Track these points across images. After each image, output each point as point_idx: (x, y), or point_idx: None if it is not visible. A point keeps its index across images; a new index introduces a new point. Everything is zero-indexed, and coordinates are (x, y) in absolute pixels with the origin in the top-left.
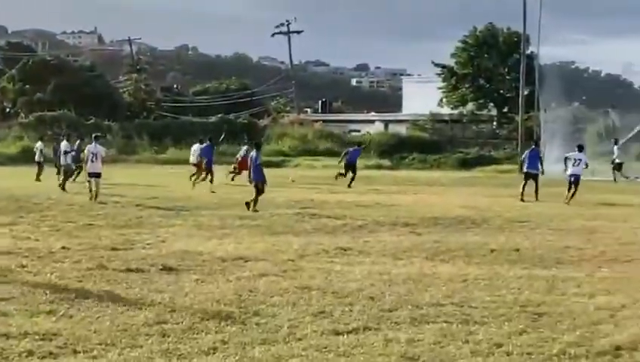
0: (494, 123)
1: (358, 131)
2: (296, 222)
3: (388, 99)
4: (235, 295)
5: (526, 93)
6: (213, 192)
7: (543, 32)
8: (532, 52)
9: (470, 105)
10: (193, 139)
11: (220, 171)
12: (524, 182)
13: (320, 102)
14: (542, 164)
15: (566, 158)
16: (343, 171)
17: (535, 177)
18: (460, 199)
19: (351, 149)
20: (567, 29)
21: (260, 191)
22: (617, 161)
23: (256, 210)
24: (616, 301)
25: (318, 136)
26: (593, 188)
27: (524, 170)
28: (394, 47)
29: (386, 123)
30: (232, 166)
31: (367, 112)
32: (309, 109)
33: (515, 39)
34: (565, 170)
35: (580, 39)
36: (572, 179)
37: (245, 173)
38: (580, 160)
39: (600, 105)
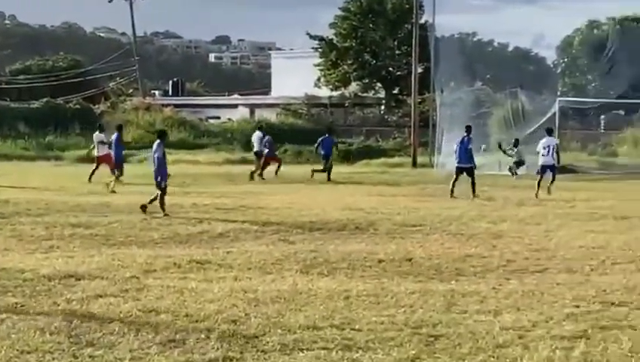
0: (382, 107)
1: (218, 118)
2: (142, 231)
3: (254, 78)
4: (64, 321)
5: (420, 71)
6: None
7: None
8: (426, 22)
9: (354, 86)
10: (10, 128)
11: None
12: (454, 177)
13: (171, 82)
14: (472, 157)
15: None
16: (322, 167)
17: (470, 171)
18: (341, 200)
19: (323, 138)
20: None
21: (163, 190)
22: (516, 160)
23: (167, 214)
24: (526, 319)
25: (169, 124)
26: (499, 183)
27: (455, 164)
28: (261, 16)
29: (252, 108)
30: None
31: (229, 95)
32: (157, 92)
33: (407, 6)
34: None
35: (483, 5)
36: (544, 170)
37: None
38: (549, 146)
39: (507, 85)
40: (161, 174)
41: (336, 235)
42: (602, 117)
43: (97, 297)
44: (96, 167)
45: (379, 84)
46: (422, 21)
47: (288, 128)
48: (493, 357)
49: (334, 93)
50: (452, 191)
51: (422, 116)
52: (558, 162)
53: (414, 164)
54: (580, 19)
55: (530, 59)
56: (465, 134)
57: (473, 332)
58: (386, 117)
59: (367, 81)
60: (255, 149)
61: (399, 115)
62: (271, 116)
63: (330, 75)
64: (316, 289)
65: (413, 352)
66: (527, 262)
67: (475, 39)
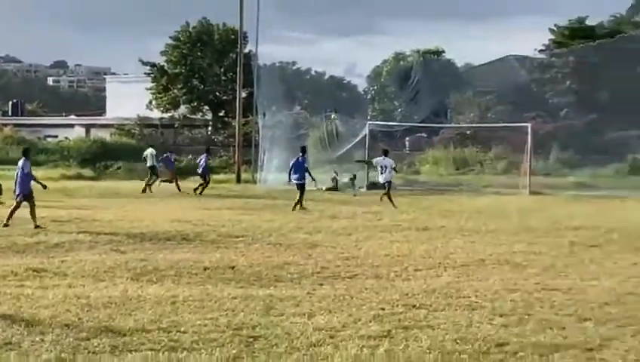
0: (209, 128)
1: (55, 137)
2: None
3: (90, 101)
4: None
5: (244, 95)
6: None
7: (262, 30)
8: (250, 51)
9: (183, 109)
10: None
11: None
12: (300, 193)
13: (10, 103)
14: (310, 173)
15: (374, 166)
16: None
17: (302, 187)
18: (170, 212)
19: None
20: (289, 26)
21: (33, 204)
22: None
23: (38, 226)
24: (337, 320)
25: (9, 142)
26: (315, 198)
27: (294, 181)
28: (97, 43)
29: (88, 127)
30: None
31: (66, 115)
32: None
33: (232, 37)
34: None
35: (302, 38)
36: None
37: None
38: (386, 167)
39: (323, 109)
40: (21, 189)
41: (165, 245)
42: (407, 139)
43: None
44: None
45: (206, 107)
46: (246, 50)
47: (121, 147)
48: (307, 355)
49: (165, 115)
50: (302, 205)
51: (245, 137)
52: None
53: (238, 181)
54: (388, 51)
55: (344, 87)
56: (300, 154)
57: (289, 332)
58: (212, 137)
59: (195, 104)
60: (148, 164)
61: (225, 136)
62: (105, 135)
63: (162, 98)
64: (145, 295)
65: (234, 352)
66: (339, 269)
67: (294, 68)
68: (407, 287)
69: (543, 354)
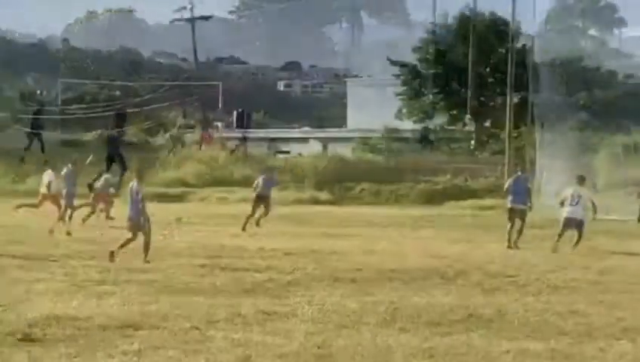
0: (472, 141)
1: (287, 153)
2: (202, 277)
3: (328, 109)
4: None
5: None
6: (68, 234)
7: None
8: None
9: (441, 118)
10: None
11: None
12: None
13: (235, 113)
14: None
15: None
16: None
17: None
18: (421, 245)
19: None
20: None
21: (148, 237)
22: None
23: (147, 261)
24: None
25: (233, 160)
26: None
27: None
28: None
29: (325, 142)
30: None
31: (299, 127)
32: (220, 123)
33: None
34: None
35: None
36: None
37: None
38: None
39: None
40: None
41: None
42: None
43: (156, 348)
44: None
45: (468, 116)
46: None
47: (365, 165)
48: None
49: (417, 127)
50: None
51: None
52: None
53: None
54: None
55: None
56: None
57: None
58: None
59: (454, 112)
60: None
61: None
62: (346, 151)
63: (414, 105)
64: None
65: None
66: None
67: None
68: None
69: None
